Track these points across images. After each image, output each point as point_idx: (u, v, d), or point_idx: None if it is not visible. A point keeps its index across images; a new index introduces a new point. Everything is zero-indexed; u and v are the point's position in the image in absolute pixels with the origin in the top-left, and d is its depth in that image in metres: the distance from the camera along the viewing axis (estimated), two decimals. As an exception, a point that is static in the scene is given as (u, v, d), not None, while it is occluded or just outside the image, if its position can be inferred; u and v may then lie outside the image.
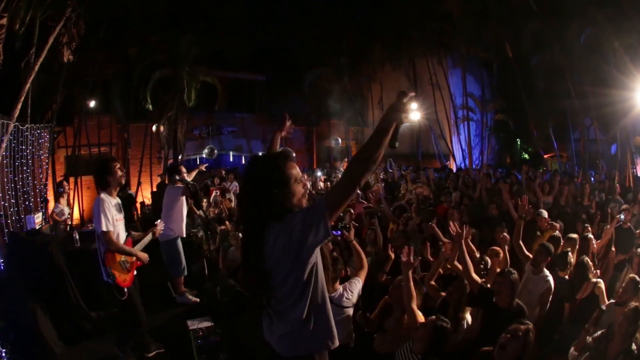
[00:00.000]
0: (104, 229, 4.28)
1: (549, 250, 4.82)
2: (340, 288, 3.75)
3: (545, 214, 6.73)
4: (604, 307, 3.86)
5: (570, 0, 12.62)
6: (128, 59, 15.13)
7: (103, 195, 4.37)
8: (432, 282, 4.49)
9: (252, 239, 2.18)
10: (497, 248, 5.32)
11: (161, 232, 5.31)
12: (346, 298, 3.72)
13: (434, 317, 3.45)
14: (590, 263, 4.99)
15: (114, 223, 4.39)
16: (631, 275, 4.58)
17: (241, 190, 2.40)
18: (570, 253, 5.16)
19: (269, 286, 2.16)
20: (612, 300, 4.41)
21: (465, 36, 16.74)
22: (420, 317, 3.67)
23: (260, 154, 2.61)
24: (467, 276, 4.06)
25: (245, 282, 2.41)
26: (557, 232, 6.10)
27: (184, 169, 6.57)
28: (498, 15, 14.92)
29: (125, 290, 4.45)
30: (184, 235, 6.59)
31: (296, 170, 2.22)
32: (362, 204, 8.95)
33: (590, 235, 5.94)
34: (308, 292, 2.16)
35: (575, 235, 5.76)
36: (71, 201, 13.76)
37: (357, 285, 3.81)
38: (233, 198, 10.54)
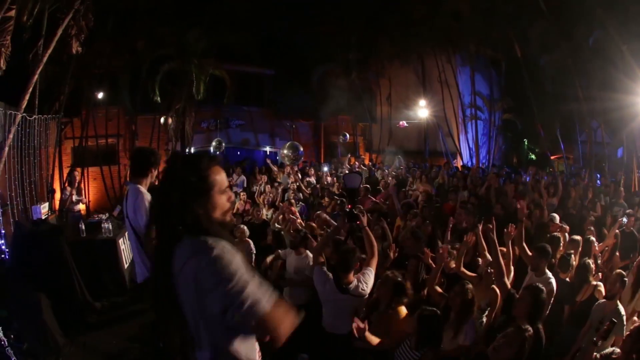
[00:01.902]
0: None
1: (543, 251, 4.80)
2: (354, 280, 3.93)
3: (557, 218, 6.72)
4: (615, 320, 3.76)
5: (578, 1, 12.47)
6: (136, 52, 15.12)
7: (142, 188, 3.86)
8: (437, 287, 4.41)
9: (162, 256, 1.78)
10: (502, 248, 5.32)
11: None
12: (361, 289, 3.91)
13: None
14: (592, 265, 4.99)
15: None
16: (617, 270, 4.59)
17: (155, 196, 1.99)
18: (573, 255, 5.16)
19: (176, 317, 1.75)
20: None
21: (474, 34, 16.62)
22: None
23: (186, 151, 1.99)
24: (498, 280, 4.13)
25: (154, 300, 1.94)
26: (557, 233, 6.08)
27: None
28: (506, 13, 14.76)
29: None
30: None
31: (222, 177, 1.82)
32: (370, 200, 8.92)
33: (593, 238, 5.93)
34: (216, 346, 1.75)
35: (578, 238, 5.75)
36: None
37: (370, 274, 3.99)
38: (241, 194, 10.41)
